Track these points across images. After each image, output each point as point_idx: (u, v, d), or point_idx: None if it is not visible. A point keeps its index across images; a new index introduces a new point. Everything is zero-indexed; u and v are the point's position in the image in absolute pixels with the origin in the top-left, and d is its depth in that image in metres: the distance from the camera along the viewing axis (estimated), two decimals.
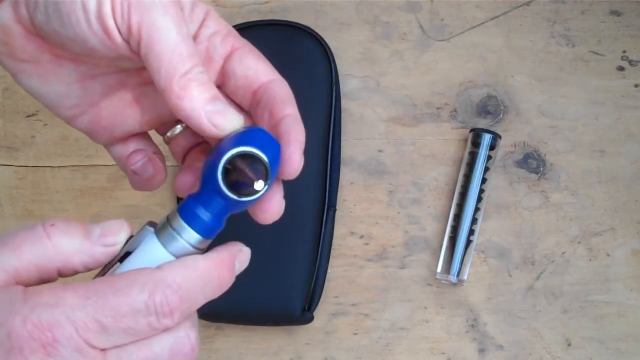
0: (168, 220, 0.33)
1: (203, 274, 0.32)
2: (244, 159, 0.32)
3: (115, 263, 0.33)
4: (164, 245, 0.33)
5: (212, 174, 0.32)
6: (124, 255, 0.33)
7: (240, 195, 0.33)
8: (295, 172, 0.35)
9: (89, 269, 0.33)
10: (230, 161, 0.32)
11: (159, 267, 0.31)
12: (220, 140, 0.34)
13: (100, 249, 0.32)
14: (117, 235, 0.33)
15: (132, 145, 0.40)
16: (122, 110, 0.38)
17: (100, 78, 0.37)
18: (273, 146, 0.34)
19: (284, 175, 0.35)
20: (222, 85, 0.38)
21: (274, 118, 0.36)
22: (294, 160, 0.34)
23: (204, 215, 0.33)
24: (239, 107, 0.39)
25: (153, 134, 0.42)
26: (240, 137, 0.33)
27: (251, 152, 0.32)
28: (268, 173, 0.33)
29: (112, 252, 0.33)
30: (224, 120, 0.33)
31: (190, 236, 0.33)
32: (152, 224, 0.34)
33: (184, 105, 0.33)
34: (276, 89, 0.36)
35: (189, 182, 0.38)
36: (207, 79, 0.33)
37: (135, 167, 0.39)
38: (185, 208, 0.33)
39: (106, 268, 0.34)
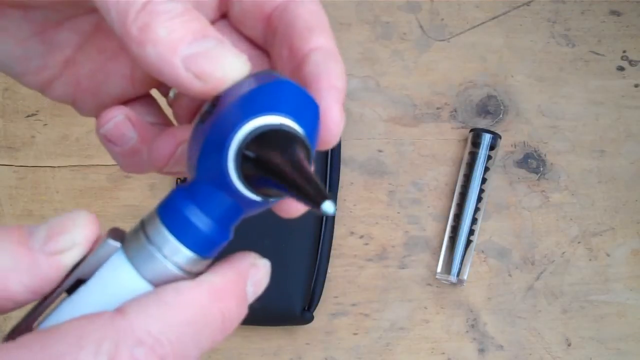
0: (143, 228, 0.22)
1: (195, 314, 0.20)
2: (266, 137, 0.20)
3: (58, 296, 0.22)
4: (136, 267, 0.21)
5: (217, 161, 0.21)
6: (74, 284, 0.22)
7: (264, 194, 0.21)
8: (335, 138, 0.23)
9: (37, 294, 0.21)
10: (247, 143, 0.20)
11: (120, 311, 0.20)
12: (217, 99, 0.22)
13: (46, 261, 0.21)
14: (69, 233, 0.21)
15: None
16: (105, 65, 0.28)
17: (66, 25, 0.27)
18: (309, 108, 0.22)
19: (319, 145, 0.23)
20: (227, 13, 0.27)
21: (296, 56, 0.24)
22: (331, 120, 0.23)
23: (201, 221, 0.21)
24: (254, 45, 0.27)
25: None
26: (253, 97, 0.21)
27: (281, 126, 0.21)
28: (309, 153, 0.21)
29: (64, 266, 0.21)
30: (212, 67, 0.21)
31: (177, 253, 0.21)
32: (116, 233, 0.22)
33: (147, 53, 0.21)
34: (298, 11, 0.24)
35: (171, 148, 0.26)
36: (180, 8, 0.22)
37: (106, 129, 0.26)
38: (170, 209, 0.22)
39: (40, 308, 0.22)
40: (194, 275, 0.22)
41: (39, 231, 0.21)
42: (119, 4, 0.21)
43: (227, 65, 0.22)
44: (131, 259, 0.21)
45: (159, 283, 0.21)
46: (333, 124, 0.23)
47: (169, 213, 0.21)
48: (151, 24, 0.21)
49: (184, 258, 0.21)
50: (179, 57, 0.21)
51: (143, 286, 0.21)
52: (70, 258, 0.21)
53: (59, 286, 0.21)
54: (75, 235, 0.21)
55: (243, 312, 0.22)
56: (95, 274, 0.21)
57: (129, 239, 0.22)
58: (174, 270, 0.21)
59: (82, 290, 0.21)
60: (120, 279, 0.21)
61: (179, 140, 0.25)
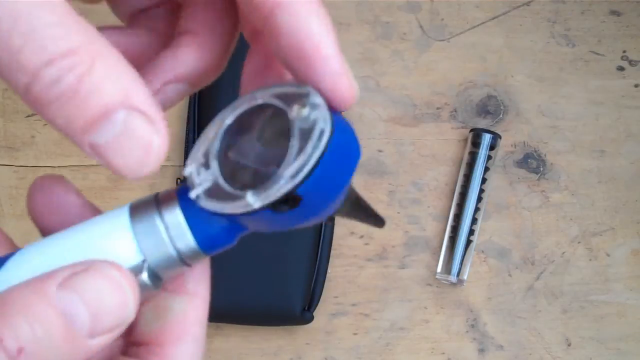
0: (157, 203, 0.21)
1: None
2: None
3: None
4: (135, 234, 0.21)
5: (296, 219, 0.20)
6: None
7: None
8: (354, 100, 0.21)
9: None
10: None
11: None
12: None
13: None
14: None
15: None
16: None
17: None
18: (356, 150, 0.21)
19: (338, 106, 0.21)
20: None
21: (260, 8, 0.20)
22: (344, 93, 0.20)
23: (217, 218, 0.21)
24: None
25: None
26: (335, 166, 0.20)
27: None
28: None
29: None
30: (119, 161, 0.18)
31: (182, 238, 0.21)
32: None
33: (58, 124, 0.18)
34: (291, 18, 0.20)
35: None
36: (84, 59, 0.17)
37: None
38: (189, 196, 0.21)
39: None
40: (184, 264, 0.21)
41: None
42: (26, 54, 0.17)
43: (133, 162, 0.18)
44: (134, 225, 0.21)
45: (149, 259, 0.21)
46: (349, 96, 0.20)
47: (189, 199, 0.21)
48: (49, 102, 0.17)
49: (186, 246, 0.21)
50: (86, 143, 0.18)
51: (129, 254, 0.20)
52: None
53: None
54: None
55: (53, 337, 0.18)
56: (84, 222, 0.20)
57: (138, 205, 0.21)
58: (172, 253, 0.21)
59: (61, 235, 0.20)
60: (112, 237, 0.20)
61: (165, 79, 0.22)
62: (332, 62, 0.20)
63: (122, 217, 0.21)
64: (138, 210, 0.21)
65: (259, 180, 0.20)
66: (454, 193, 0.63)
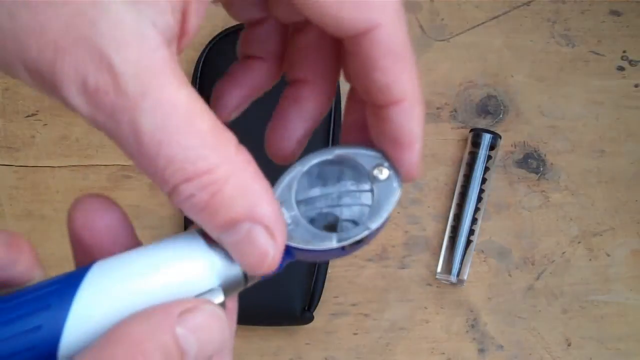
0: None
1: None
2: None
3: None
4: (212, 258, 0.22)
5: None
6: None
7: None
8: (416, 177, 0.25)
9: None
10: None
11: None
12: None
13: None
14: None
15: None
16: None
17: None
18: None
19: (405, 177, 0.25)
20: None
21: (374, 97, 0.23)
22: (412, 171, 0.25)
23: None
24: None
25: None
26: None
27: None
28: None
29: None
30: (244, 259, 0.22)
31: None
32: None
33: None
34: (384, 37, 0.22)
35: (238, 100, 0.26)
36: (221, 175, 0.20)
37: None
38: None
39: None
40: (244, 287, 0.24)
41: None
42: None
43: (248, 263, 0.21)
44: (210, 250, 0.22)
45: (223, 282, 0.22)
46: (414, 173, 0.24)
47: None
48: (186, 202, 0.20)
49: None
50: (214, 235, 0.21)
51: (208, 278, 0.22)
52: None
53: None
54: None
55: None
56: (155, 246, 0.22)
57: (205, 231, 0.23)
58: (241, 277, 0.23)
59: (137, 257, 0.21)
60: (192, 263, 0.22)
61: (245, 93, 0.26)
62: (416, 155, 0.24)
63: (198, 242, 0.22)
64: (208, 235, 0.22)
65: (333, 222, 0.24)
66: (454, 193, 0.63)
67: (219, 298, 0.22)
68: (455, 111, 0.65)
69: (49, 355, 0.20)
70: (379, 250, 0.63)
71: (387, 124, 0.23)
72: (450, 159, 0.64)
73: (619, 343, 0.62)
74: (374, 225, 0.24)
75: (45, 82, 0.19)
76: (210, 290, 0.22)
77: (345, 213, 0.24)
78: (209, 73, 0.63)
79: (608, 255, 0.63)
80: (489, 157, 0.62)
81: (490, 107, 0.65)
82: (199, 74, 0.63)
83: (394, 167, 0.24)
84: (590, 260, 0.63)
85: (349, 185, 0.24)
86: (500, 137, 0.63)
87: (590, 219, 0.64)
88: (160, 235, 0.60)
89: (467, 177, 0.62)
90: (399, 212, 0.63)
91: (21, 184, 0.64)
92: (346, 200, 0.24)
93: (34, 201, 0.63)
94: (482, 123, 0.64)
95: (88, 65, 0.18)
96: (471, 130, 0.63)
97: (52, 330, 0.20)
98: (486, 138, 0.62)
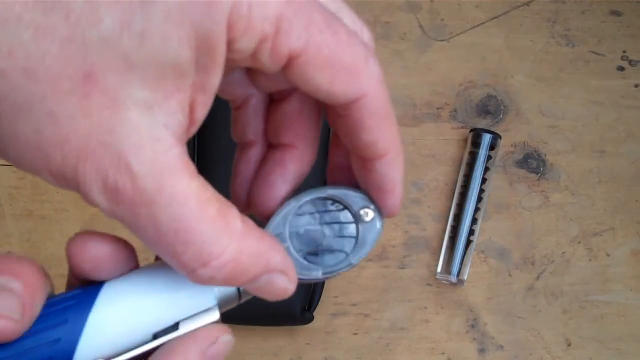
0: None
1: None
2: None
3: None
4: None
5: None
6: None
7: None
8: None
9: None
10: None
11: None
12: None
13: None
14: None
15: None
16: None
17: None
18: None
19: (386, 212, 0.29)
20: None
21: (360, 151, 0.26)
22: (393, 210, 0.28)
23: None
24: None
25: None
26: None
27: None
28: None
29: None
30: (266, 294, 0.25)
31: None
32: None
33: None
34: (371, 103, 0.24)
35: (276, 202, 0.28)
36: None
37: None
38: None
39: None
40: (238, 304, 0.27)
41: None
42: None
43: (273, 297, 0.25)
44: None
45: (219, 301, 0.25)
46: (395, 212, 0.28)
47: None
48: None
49: (245, 292, 0.26)
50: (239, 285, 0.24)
51: (208, 298, 0.25)
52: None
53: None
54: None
55: None
56: (157, 269, 0.24)
57: None
58: (235, 297, 0.26)
59: (143, 279, 0.24)
60: (194, 287, 0.25)
61: (282, 194, 0.28)
62: (398, 199, 0.27)
63: None
64: None
65: (319, 249, 0.27)
66: (454, 193, 0.63)
67: (216, 315, 0.25)
68: (455, 111, 0.65)
69: None
70: (379, 250, 0.63)
71: (372, 173, 0.26)
72: (450, 159, 0.64)
73: (619, 343, 0.62)
74: (355, 261, 0.28)
75: (69, 183, 0.21)
76: (208, 309, 0.25)
77: (331, 244, 0.27)
78: None
79: (608, 255, 0.63)
80: (489, 157, 0.62)
81: (490, 107, 0.65)
82: None
83: (377, 209, 0.27)
84: (590, 260, 0.63)
85: (338, 219, 0.27)
86: (500, 137, 0.63)
87: (590, 219, 0.64)
88: None
89: (467, 177, 0.62)
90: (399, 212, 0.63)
91: (21, 184, 0.64)
92: (332, 232, 0.27)
93: (34, 201, 0.63)
94: (482, 123, 0.64)
95: (108, 168, 0.20)
96: (471, 130, 0.63)
97: (69, 343, 0.22)
98: (486, 138, 0.62)
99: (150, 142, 0.20)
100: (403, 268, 0.63)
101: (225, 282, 0.23)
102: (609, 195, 0.64)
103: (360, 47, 0.23)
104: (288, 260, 0.25)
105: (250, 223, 0.23)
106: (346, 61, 0.22)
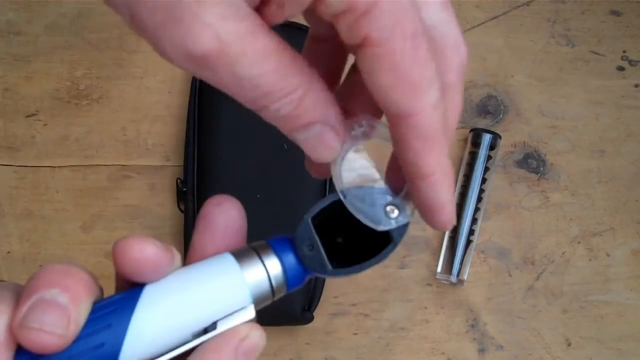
0: (255, 250, 0.27)
1: None
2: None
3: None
4: (243, 270, 0.26)
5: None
6: None
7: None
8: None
9: None
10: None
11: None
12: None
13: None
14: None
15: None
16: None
17: None
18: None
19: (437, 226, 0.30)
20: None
21: (407, 165, 0.27)
22: (446, 225, 0.29)
23: (297, 265, 0.28)
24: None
25: None
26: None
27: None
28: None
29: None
30: (314, 154, 0.27)
31: (275, 269, 0.27)
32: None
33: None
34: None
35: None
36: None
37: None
38: (281, 244, 0.28)
39: None
40: (270, 303, 0.27)
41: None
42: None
43: (318, 154, 0.26)
44: (243, 272, 0.26)
45: (255, 301, 0.27)
46: (447, 227, 0.29)
47: (286, 255, 0.27)
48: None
49: (278, 290, 0.27)
50: (290, 134, 0.26)
51: (244, 297, 0.26)
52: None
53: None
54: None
55: None
56: (196, 271, 0.26)
57: (239, 254, 0.27)
58: (270, 295, 0.27)
59: (181, 280, 0.25)
60: (231, 286, 0.26)
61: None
62: (447, 215, 0.28)
63: (233, 266, 0.26)
64: (242, 260, 0.26)
65: (349, 252, 0.28)
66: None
67: (251, 313, 0.26)
68: None
69: None
70: None
71: (417, 191, 0.27)
72: (450, 158, 0.64)
73: (619, 343, 0.62)
74: (379, 261, 0.29)
75: (148, 38, 0.23)
76: (244, 308, 0.26)
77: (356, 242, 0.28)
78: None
79: (608, 255, 0.63)
80: (489, 157, 0.62)
81: (490, 107, 0.65)
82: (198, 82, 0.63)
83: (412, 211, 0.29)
84: (590, 260, 0.63)
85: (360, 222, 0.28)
86: (500, 137, 0.63)
87: (590, 219, 0.64)
88: (160, 235, 0.60)
89: (467, 177, 0.62)
90: None
91: (21, 184, 0.64)
92: (363, 233, 0.28)
93: (34, 201, 0.63)
94: (482, 123, 0.64)
95: (197, 34, 0.23)
96: (471, 130, 0.63)
97: (113, 346, 0.23)
98: (486, 138, 0.62)
99: (232, 12, 0.23)
100: (403, 268, 0.63)
101: (285, 117, 0.24)
102: (609, 195, 0.64)
103: (431, 71, 0.24)
104: (341, 121, 0.26)
105: (317, 74, 0.25)
106: (412, 77, 0.24)
